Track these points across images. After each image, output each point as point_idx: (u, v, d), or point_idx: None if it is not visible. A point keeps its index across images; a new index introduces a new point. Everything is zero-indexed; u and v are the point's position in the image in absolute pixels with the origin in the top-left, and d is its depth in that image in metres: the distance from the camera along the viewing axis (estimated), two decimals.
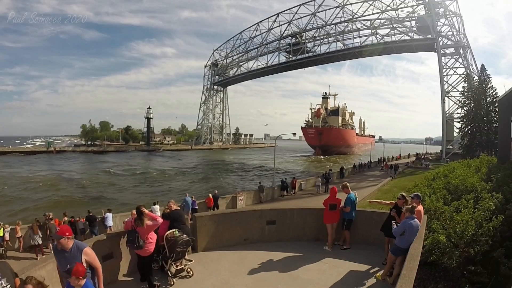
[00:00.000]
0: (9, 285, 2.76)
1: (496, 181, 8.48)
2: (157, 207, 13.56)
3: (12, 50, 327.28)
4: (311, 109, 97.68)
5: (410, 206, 4.60)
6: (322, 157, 73.81)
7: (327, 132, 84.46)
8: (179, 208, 5.51)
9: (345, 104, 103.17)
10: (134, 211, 4.98)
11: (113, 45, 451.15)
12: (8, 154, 64.37)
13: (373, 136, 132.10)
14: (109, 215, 12.57)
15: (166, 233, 4.66)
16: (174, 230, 4.74)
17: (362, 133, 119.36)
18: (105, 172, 41.69)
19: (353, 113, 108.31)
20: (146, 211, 4.45)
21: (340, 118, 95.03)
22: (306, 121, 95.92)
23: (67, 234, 3.20)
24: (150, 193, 26.94)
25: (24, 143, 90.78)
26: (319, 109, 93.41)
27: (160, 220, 4.55)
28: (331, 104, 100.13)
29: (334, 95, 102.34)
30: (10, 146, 78.24)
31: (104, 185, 31.27)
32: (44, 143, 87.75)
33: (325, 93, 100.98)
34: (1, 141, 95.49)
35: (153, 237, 4.50)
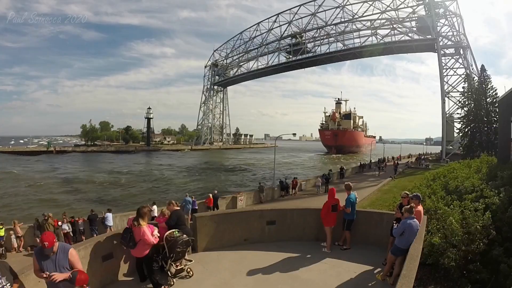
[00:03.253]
0: (8, 284, 2.76)
1: (501, 179, 8.45)
2: (155, 207, 13.54)
3: (11, 50, 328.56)
4: (324, 113, 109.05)
5: (409, 206, 4.61)
6: (340, 155, 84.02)
7: (341, 134, 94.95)
8: (178, 208, 5.50)
9: (354, 108, 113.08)
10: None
11: (112, 45, 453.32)
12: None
13: (374, 137, 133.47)
14: (109, 215, 12.56)
15: (166, 233, 4.66)
16: (173, 230, 4.73)
17: (365, 133, 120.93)
18: (107, 172, 41.70)
19: (361, 117, 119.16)
20: (146, 230, 4.35)
21: (351, 121, 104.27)
22: (321, 123, 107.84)
23: (54, 240, 3.09)
24: (150, 193, 26.94)
25: (37, 143, 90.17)
26: (334, 113, 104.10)
27: (153, 241, 4.43)
28: (342, 108, 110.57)
29: (346, 101, 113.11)
30: (8, 146, 77.72)
31: (106, 185, 31.26)
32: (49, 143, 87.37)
33: (338, 98, 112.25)
34: (12, 141, 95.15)
35: (149, 241, 4.36)
